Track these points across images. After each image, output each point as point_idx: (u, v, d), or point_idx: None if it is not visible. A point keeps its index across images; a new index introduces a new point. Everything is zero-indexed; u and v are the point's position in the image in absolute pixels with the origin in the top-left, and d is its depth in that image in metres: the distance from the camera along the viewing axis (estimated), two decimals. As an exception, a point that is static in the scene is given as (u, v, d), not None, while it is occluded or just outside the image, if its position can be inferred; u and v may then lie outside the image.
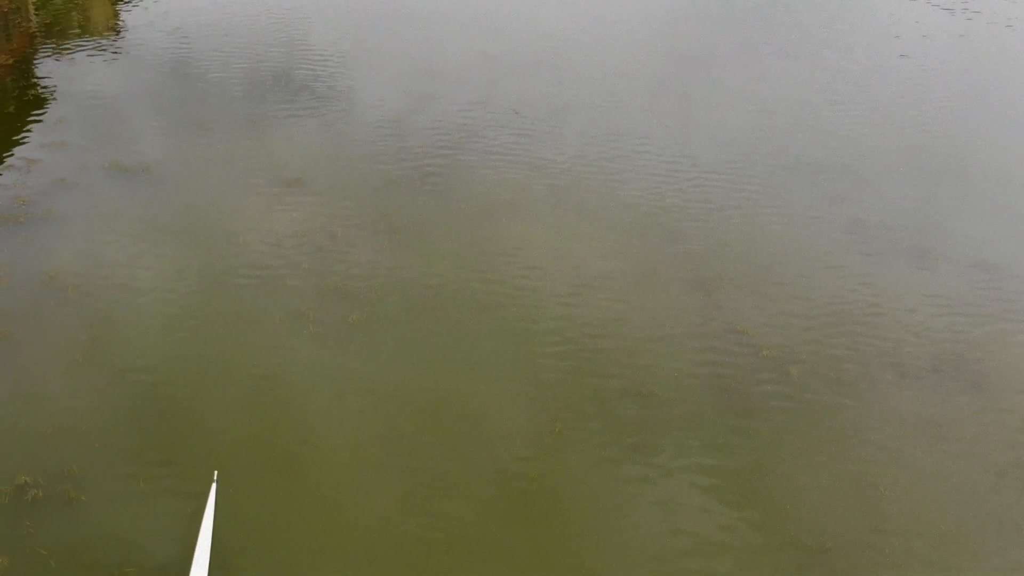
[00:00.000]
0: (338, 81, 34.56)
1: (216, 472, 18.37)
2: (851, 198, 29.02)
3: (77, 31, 38.19)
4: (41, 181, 27.19)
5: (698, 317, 23.61)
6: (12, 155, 28.48)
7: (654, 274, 25.16)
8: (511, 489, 18.42)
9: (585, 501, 18.32)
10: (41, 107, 31.63)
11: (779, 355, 22.48)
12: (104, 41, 37.47)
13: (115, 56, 35.97)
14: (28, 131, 29.94)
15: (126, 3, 41.24)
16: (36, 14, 39.86)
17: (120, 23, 39.31)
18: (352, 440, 19.14)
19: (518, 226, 26.80)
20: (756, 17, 42.81)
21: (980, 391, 21.89)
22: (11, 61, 35.35)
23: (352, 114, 32.41)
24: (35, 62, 35.17)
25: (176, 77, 34.36)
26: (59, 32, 38.16)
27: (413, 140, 30.82)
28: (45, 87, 33.14)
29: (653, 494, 18.59)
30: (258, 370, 20.72)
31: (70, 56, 35.64)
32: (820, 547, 17.72)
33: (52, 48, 36.34)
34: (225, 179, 28.09)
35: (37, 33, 38.14)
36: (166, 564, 16.43)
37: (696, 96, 35.09)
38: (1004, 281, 25.79)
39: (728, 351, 22.55)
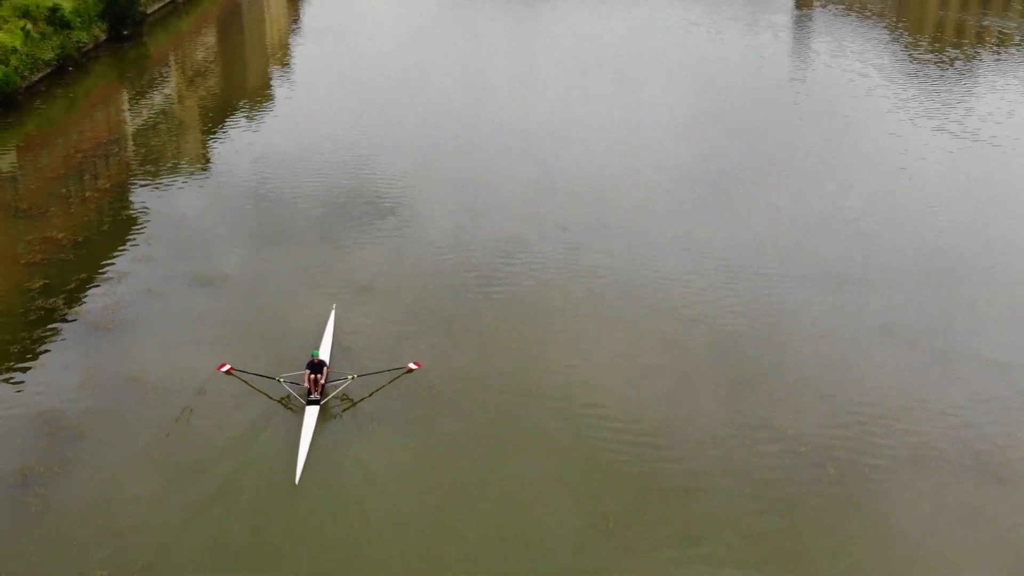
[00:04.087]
0: (402, 201, 33.57)
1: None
2: (874, 306, 27.19)
3: (170, 161, 37.81)
4: (130, 291, 26.26)
5: (738, 416, 21.98)
6: (105, 268, 27.61)
7: (694, 373, 23.59)
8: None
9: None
10: (133, 226, 30.93)
11: (815, 451, 20.79)
12: (194, 168, 37.04)
13: (203, 181, 35.44)
14: (121, 247, 29.16)
15: (215, 136, 40.97)
16: (134, 147, 39.78)
17: (209, 153, 38.96)
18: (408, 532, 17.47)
19: (565, 326, 25.47)
20: (774, 143, 41.76)
21: (1002, 482, 20.13)
22: (108, 185, 34.92)
23: (414, 229, 31.31)
24: (130, 186, 34.70)
25: (257, 199, 33.59)
26: (154, 160, 37.80)
27: (470, 251, 29.60)
28: (138, 208, 32.51)
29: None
30: (323, 474, 19.12)
31: (162, 181, 35.13)
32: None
33: (147, 173, 35.88)
34: (299, 287, 27.00)
35: (133, 161, 37.81)
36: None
37: (724, 213, 33.60)
38: (1018, 377, 24.00)
39: (767, 447, 20.91)
